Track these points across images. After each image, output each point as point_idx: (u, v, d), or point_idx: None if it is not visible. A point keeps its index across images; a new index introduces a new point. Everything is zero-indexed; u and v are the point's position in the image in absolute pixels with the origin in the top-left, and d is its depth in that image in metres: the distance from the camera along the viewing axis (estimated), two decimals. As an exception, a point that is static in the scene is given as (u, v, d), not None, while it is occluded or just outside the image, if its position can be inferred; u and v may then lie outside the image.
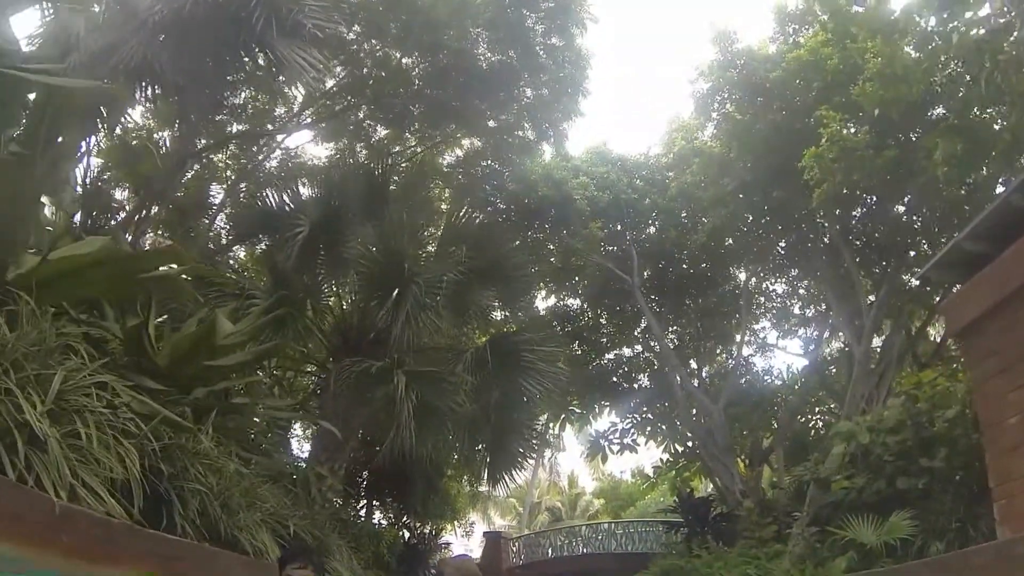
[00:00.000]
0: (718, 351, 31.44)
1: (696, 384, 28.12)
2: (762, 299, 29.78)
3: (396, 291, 15.19)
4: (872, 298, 22.87)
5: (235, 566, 7.10)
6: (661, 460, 31.49)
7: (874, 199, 21.69)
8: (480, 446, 17.93)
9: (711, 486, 28.02)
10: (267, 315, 12.29)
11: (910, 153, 18.82)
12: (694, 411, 27.07)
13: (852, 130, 19.03)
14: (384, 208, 16.37)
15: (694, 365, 30.38)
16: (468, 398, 15.88)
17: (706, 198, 24.22)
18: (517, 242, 19.81)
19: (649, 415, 30.80)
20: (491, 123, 23.92)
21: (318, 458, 15.94)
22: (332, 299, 17.62)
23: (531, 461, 31.30)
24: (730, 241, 26.71)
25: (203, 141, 20.80)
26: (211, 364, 9.73)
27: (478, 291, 17.04)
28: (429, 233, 18.39)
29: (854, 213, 23.00)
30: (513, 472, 18.24)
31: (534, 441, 18.55)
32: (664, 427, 30.81)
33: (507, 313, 18.67)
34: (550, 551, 35.28)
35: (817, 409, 29.02)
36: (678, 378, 26.85)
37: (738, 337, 29.18)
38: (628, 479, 53.52)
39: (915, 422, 13.46)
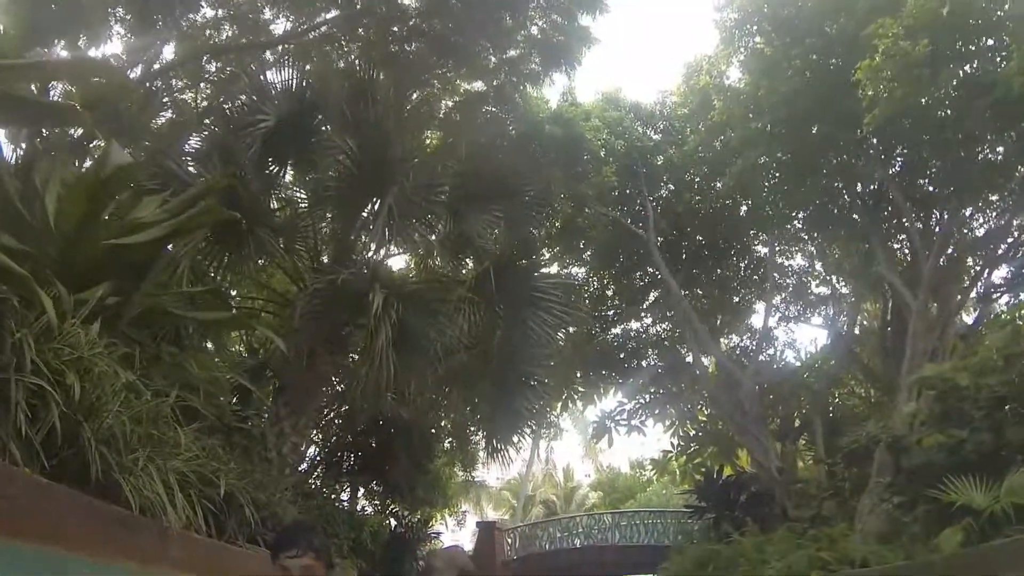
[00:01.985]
0: (736, 323, 28.20)
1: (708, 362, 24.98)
2: (777, 276, 26.55)
3: (377, 200, 11.90)
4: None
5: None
6: (672, 443, 28.16)
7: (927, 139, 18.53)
8: (476, 401, 14.32)
9: (729, 470, 24.81)
10: (203, 197, 8.90)
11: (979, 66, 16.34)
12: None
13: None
14: (369, 110, 13.00)
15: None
16: (463, 341, 12.71)
17: (734, 139, 21.06)
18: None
19: (658, 394, 27.59)
20: (494, 59, 20.94)
21: (278, 412, 12.60)
22: (303, 211, 14.02)
23: (534, 434, 27.87)
24: (749, 204, 24.08)
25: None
26: (115, 243, 7.30)
27: (477, 214, 13.62)
28: (420, 142, 14.93)
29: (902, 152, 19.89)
30: (516, 439, 14.96)
31: (542, 402, 14.96)
32: (674, 409, 27.72)
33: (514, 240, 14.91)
34: (547, 543, 32.01)
35: (850, 386, 26.00)
36: (698, 349, 23.67)
37: (761, 307, 26.32)
38: (626, 471, 50.78)
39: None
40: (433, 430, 23.54)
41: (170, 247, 9.43)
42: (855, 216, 21.62)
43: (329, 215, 13.49)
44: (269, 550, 4.00)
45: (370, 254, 11.96)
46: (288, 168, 13.55)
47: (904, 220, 20.24)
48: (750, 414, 20.63)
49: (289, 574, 3.75)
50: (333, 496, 22.66)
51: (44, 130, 12.77)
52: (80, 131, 13.84)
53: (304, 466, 21.20)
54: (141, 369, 7.02)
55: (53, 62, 8.44)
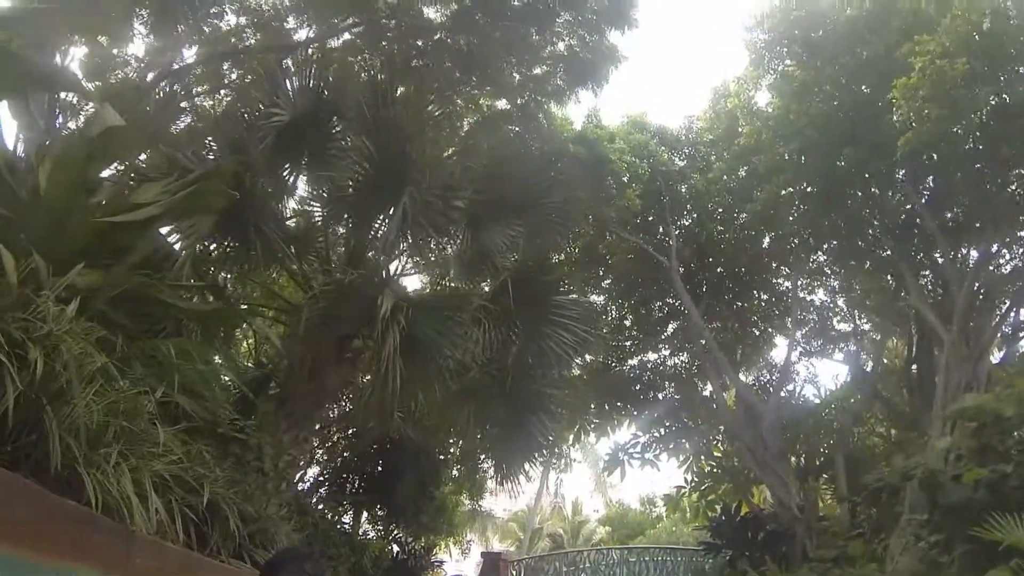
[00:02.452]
0: (755, 357, 27.37)
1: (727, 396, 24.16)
2: (800, 312, 25.77)
3: (391, 207, 11.22)
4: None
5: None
6: (685, 479, 27.23)
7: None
8: (488, 423, 13.51)
9: (745, 507, 23.85)
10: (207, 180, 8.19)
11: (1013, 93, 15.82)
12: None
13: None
14: (388, 110, 12.29)
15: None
16: (477, 359, 11.97)
17: (761, 164, 20.39)
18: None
19: (673, 428, 26.72)
20: (518, 76, 20.32)
21: (278, 423, 11.85)
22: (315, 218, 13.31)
23: (545, 462, 27.02)
24: (773, 236, 23.34)
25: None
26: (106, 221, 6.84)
27: (496, 225, 12.87)
28: (440, 148, 14.23)
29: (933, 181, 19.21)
30: (527, 466, 14.21)
31: (556, 427, 14.14)
32: (689, 444, 26.86)
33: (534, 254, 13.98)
34: (554, 579, 31.05)
35: (870, 424, 25.13)
36: (718, 381, 22.87)
37: (781, 341, 25.50)
38: (636, 507, 49.70)
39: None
40: (441, 456, 22.84)
41: (173, 237, 8.85)
42: (883, 248, 20.86)
43: (343, 220, 12.76)
44: (259, 570, 3.69)
45: (382, 257, 11.14)
46: (302, 170, 12.80)
47: (936, 252, 19.63)
48: (771, 449, 19.78)
49: None
50: (335, 518, 22.09)
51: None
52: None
53: (307, 485, 20.59)
54: (121, 357, 6.35)
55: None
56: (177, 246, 10.12)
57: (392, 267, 12.18)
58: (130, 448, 5.69)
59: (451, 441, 22.62)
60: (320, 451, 22.39)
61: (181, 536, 6.49)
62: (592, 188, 19.81)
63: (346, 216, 12.61)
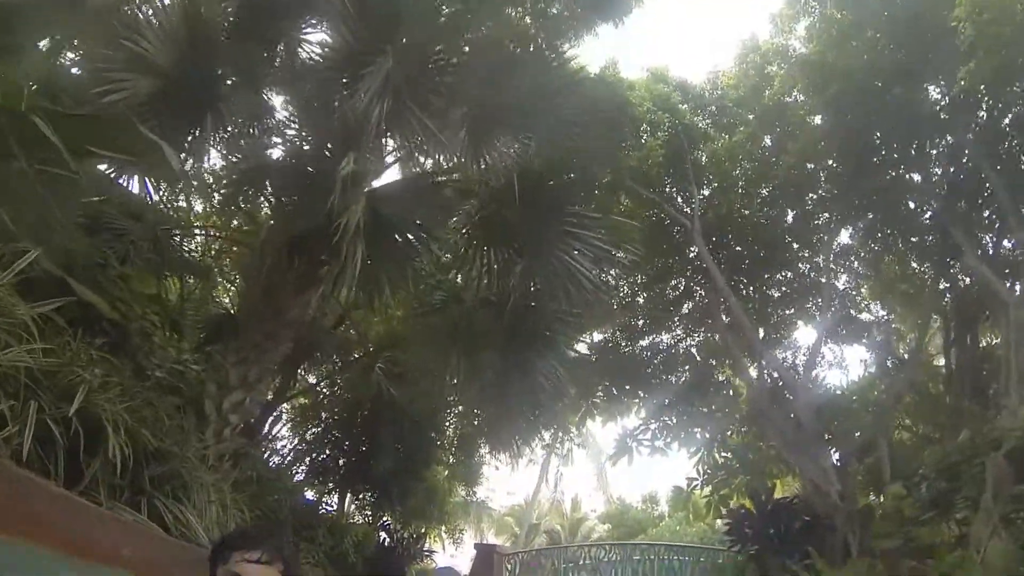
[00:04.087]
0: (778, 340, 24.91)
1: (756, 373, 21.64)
2: (821, 297, 23.31)
3: (371, 77, 8.69)
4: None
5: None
6: (698, 470, 24.62)
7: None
8: (483, 375, 10.84)
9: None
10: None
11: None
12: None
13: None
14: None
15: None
16: (470, 285, 9.54)
17: (791, 117, 18.11)
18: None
19: (685, 416, 24.22)
20: (529, 19, 17.90)
21: (224, 359, 9.38)
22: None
23: (550, 441, 24.62)
24: (795, 215, 21.57)
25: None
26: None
27: (500, 130, 10.29)
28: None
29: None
30: (531, 427, 11.72)
31: (563, 383, 11.45)
32: (702, 432, 24.37)
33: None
34: (552, 574, 28.47)
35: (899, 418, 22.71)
36: (745, 358, 20.42)
37: (806, 326, 23.23)
38: (638, 506, 47.24)
39: None
40: (434, 434, 20.49)
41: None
42: (925, 211, 18.53)
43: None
44: (213, 549, 2.69)
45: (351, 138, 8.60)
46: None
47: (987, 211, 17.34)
48: (806, 430, 17.16)
49: None
50: (317, 498, 20.07)
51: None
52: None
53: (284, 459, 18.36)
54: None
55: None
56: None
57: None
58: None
59: (446, 412, 20.29)
60: (293, 416, 20.22)
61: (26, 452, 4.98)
62: (609, 131, 17.26)
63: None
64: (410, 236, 8.90)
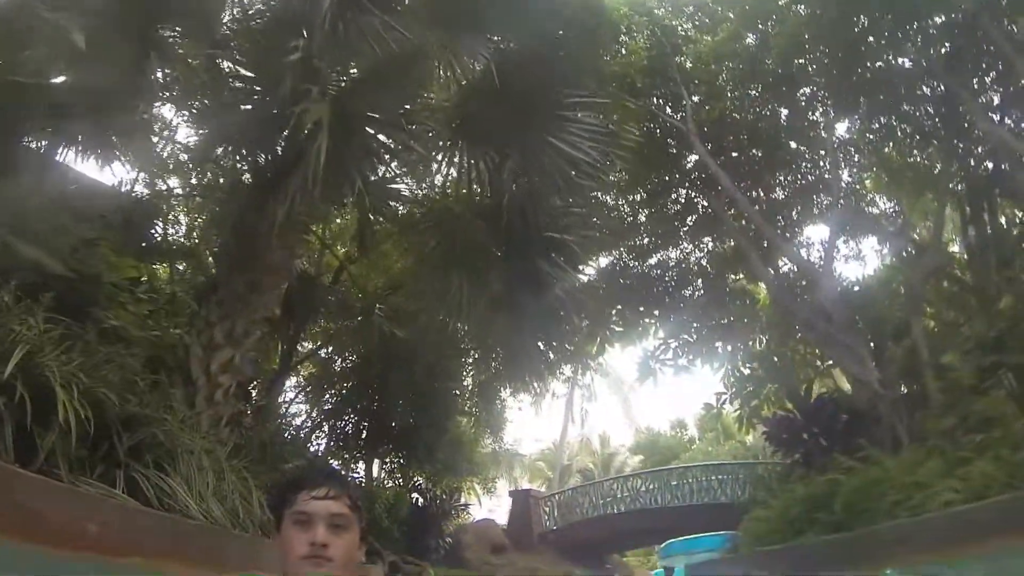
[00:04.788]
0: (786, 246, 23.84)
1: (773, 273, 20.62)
2: (826, 196, 22.12)
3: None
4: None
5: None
6: (725, 384, 23.65)
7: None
8: (486, 292, 9.75)
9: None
10: None
11: None
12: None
13: None
14: None
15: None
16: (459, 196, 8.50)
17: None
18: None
19: (704, 330, 23.26)
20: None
21: (208, 317, 8.38)
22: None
23: (570, 370, 23.66)
24: (788, 112, 20.26)
25: None
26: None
27: (472, 24, 9.09)
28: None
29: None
30: (551, 353, 10.72)
31: (578, 267, 10.32)
32: (725, 345, 23.41)
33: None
34: (589, 510, 27.83)
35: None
36: (759, 258, 19.39)
37: (813, 228, 22.07)
38: (667, 432, 46.67)
39: None
40: (454, 389, 19.65)
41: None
42: (930, 83, 17.34)
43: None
44: (274, 496, 2.63)
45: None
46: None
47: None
48: (836, 320, 16.07)
49: (301, 518, 2.45)
50: (345, 471, 19.28)
51: None
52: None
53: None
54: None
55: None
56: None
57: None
58: None
59: (461, 361, 19.43)
60: (306, 385, 19.38)
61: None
62: (590, 38, 16.04)
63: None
64: (380, 135, 7.83)
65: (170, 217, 13.74)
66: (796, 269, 20.82)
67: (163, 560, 4.84)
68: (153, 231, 11.71)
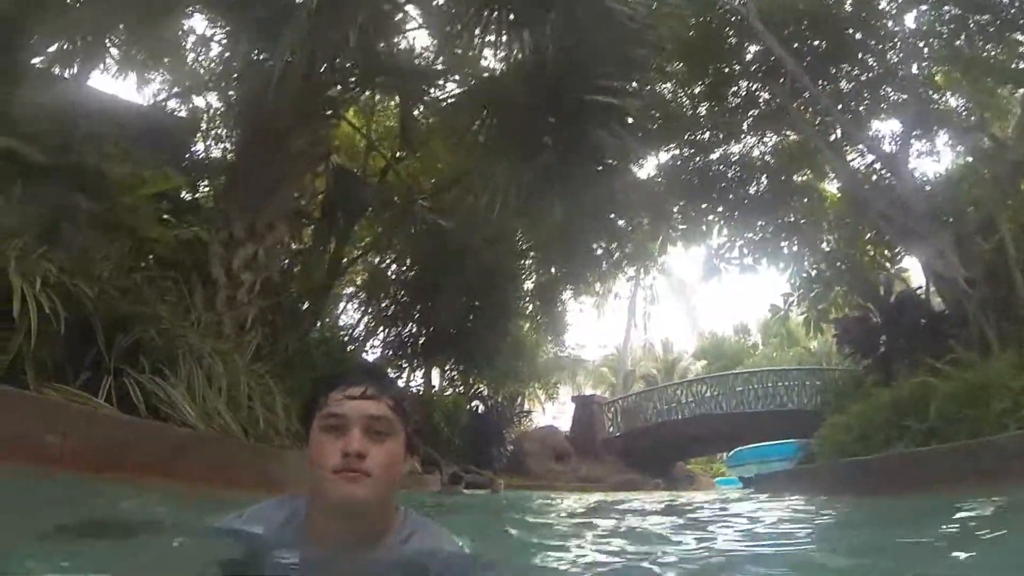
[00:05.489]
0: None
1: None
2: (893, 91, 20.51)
3: None
4: None
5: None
6: (792, 285, 22.45)
7: None
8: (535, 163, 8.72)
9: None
10: None
11: None
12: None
13: None
14: None
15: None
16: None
17: None
18: None
19: (770, 229, 22.02)
20: None
21: (228, 212, 7.56)
22: None
23: (626, 267, 22.68)
24: None
25: None
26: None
27: None
28: None
29: None
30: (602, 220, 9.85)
31: (630, 136, 9.26)
32: (789, 244, 22.15)
33: None
34: (653, 416, 27.09)
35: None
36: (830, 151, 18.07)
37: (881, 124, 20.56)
38: (731, 337, 45.68)
39: None
40: (509, 285, 18.79)
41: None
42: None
43: None
44: (307, 399, 2.05)
45: None
46: None
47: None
48: (916, 212, 14.63)
49: (333, 422, 1.96)
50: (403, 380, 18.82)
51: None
52: None
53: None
54: None
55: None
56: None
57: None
58: None
59: (520, 262, 18.64)
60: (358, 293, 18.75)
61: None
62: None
63: None
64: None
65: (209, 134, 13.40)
66: (867, 164, 19.38)
67: (143, 473, 4.05)
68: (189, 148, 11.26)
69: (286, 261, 10.49)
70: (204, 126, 13.46)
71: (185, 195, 9.13)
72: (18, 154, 5.38)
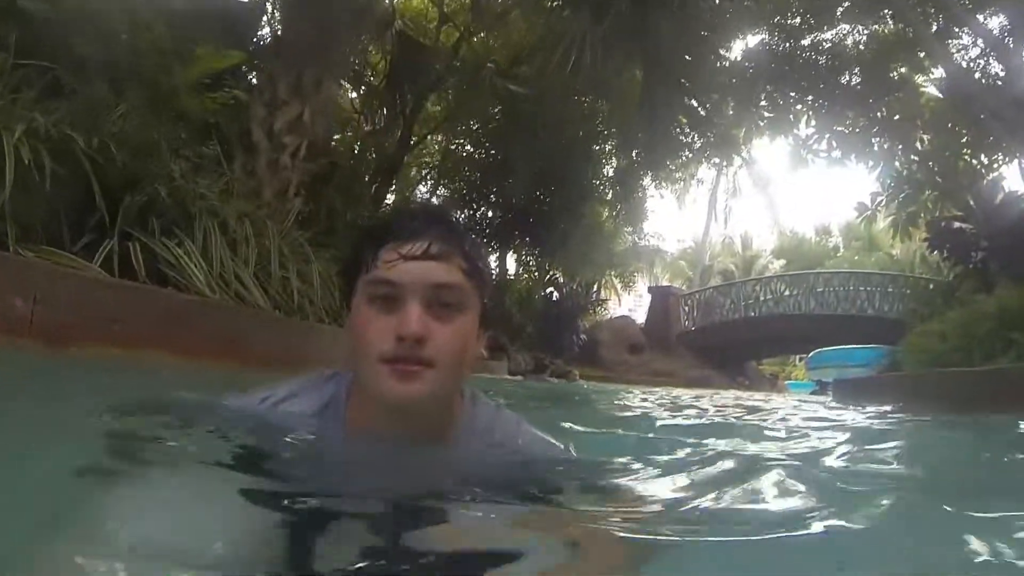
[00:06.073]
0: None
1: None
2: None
3: None
4: None
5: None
6: (880, 183, 21.15)
7: None
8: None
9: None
10: None
11: None
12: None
13: None
14: None
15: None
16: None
17: None
18: None
19: (861, 124, 20.67)
20: None
21: (270, 73, 6.91)
22: None
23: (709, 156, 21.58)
24: None
25: None
26: None
27: None
28: None
29: None
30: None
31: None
32: (881, 142, 20.79)
33: None
34: (731, 312, 26.29)
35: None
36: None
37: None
38: (812, 238, 44.27)
39: None
40: (585, 169, 18.04)
41: None
42: None
43: None
44: (349, 255, 1.47)
45: None
46: None
47: None
48: (1007, 97, 13.22)
49: (383, 291, 1.38)
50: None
51: None
52: None
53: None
54: None
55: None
56: None
57: None
58: None
59: (598, 143, 17.84)
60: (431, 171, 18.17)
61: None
62: None
63: None
64: None
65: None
66: (972, 58, 17.75)
67: (130, 345, 3.52)
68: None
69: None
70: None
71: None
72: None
